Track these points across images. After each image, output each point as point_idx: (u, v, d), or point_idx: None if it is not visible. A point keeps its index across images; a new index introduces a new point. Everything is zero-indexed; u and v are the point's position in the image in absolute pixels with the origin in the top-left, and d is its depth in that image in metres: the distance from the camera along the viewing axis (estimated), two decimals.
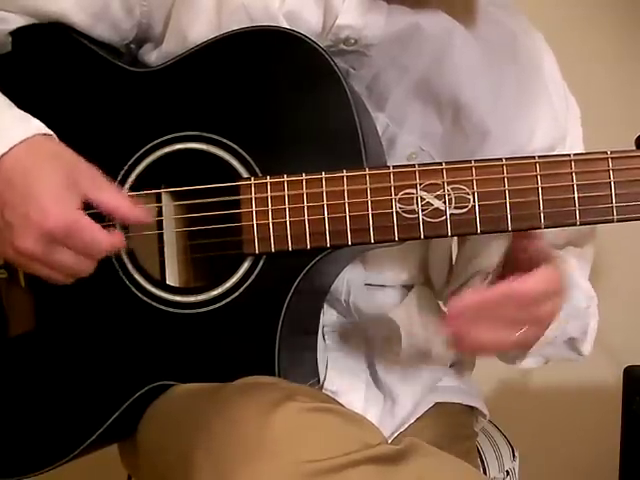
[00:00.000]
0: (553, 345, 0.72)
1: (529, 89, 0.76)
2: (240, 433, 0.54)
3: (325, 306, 0.79)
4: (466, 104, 0.74)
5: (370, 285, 0.82)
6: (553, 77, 0.78)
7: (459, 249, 0.85)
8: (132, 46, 0.77)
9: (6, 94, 0.69)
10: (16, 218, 0.61)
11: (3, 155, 0.61)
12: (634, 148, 0.63)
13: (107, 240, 0.63)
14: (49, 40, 0.72)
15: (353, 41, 0.70)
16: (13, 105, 0.67)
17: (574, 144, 0.79)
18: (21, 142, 0.62)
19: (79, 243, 0.62)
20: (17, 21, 0.72)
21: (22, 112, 0.66)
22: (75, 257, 0.63)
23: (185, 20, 0.71)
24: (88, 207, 0.63)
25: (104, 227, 0.64)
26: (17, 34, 0.72)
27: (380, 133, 0.75)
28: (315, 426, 0.55)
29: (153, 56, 0.74)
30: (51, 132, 0.65)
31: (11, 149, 0.61)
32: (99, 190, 0.64)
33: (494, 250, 0.78)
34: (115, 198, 0.64)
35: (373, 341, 0.81)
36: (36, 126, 0.64)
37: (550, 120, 0.77)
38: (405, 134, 0.75)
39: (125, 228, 0.69)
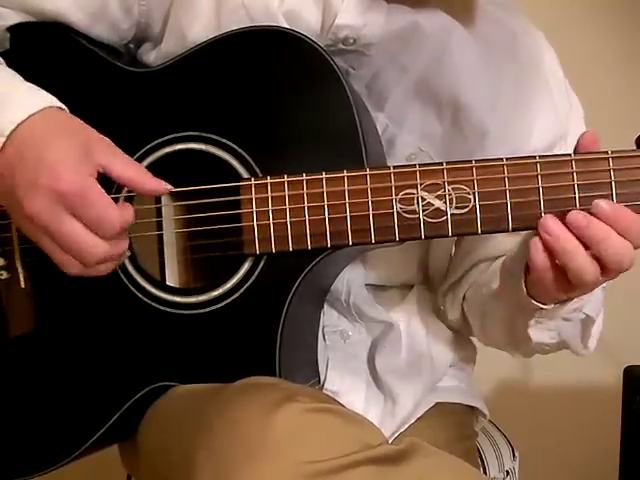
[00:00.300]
0: (571, 320, 0.70)
1: (529, 87, 0.76)
2: (241, 433, 0.54)
3: (325, 306, 0.79)
4: (465, 104, 0.73)
5: (370, 285, 0.82)
6: (555, 75, 0.78)
7: (456, 245, 0.85)
8: (131, 46, 0.77)
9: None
10: (28, 181, 0.59)
11: (20, 124, 0.60)
12: (634, 148, 0.63)
13: (118, 214, 0.60)
14: (47, 40, 0.72)
15: (352, 41, 0.70)
16: (25, 81, 0.66)
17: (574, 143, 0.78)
18: (37, 112, 0.61)
19: (91, 213, 0.60)
20: (14, 17, 0.72)
21: (35, 85, 0.65)
22: (85, 231, 0.60)
23: (184, 20, 0.71)
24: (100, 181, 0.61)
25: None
26: (15, 32, 0.72)
27: (380, 133, 0.74)
28: (316, 427, 0.55)
29: (152, 56, 0.74)
30: (65, 107, 0.64)
31: (28, 118, 0.61)
32: (114, 159, 0.62)
33: (491, 242, 0.78)
34: (131, 167, 0.63)
35: (373, 341, 0.81)
36: (52, 99, 0.64)
37: (550, 118, 0.77)
38: (404, 134, 0.75)
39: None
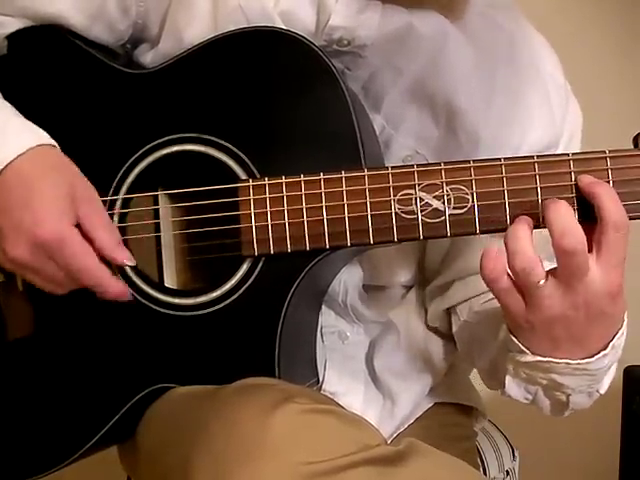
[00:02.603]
0: (551, 398, 0.66)
1: (525, 93, 0.75)
2: (239, 434, 0.54)
3: (323, 307, 0.79)
4: (460, 109, 0.73)
5: (368, 286, 0.82)
6: (555, 80, 0.77)
7: (447, 251, 0.83)
8: (128, 46, 0.77)
9: (3, 97, 0.69)
10: (10, 224, 0.61)
11: (8, 164, 0.61)
12: (632, 147, 0.63)
13: (96, 264, 0.63)
14: (44, 43, 0.72)
15: (346, 42, 0.70)
16: (19, 114, 0.67)
17: (569, 149, 0.77)
18: (27, 151, 0.62)
19: (70, 265, 0.62)
20: (15, 24, 0.72)
21: (28, 121, 0.66)
22: (59, 272, 0.63)
23: (181, 21, 0.71)
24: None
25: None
26: (13, 37, 0.72)
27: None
28: (314, 427, 0.55)
29: (149, 57, 0.74)
30: (55, 143, 0.65)
31: (17, 157, 0.61)
32: (91, 218, 0.64)
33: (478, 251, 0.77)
34: (105, 230, 0.64)
35: (371, 342, 0.81)
36: (41, 136, 0.64)
37: (545, 124, 0.75)
38: (401, 136, 0.75)
39: (121, 230, 0.69)
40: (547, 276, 0.58)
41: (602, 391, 0.66)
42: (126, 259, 0.66)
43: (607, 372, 0.65)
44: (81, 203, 0.63)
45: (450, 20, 0.72)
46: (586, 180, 0.60)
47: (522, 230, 0.58)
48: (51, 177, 0.62)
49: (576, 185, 0.61)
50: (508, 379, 0.67)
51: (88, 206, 0.63)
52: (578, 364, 0.61)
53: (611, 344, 0.61)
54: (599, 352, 0.61)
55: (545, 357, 0.62)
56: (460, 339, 0.81)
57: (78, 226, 0.63)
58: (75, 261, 0.62)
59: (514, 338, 0.63)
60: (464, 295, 0.79)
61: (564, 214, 0.57)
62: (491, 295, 0.68)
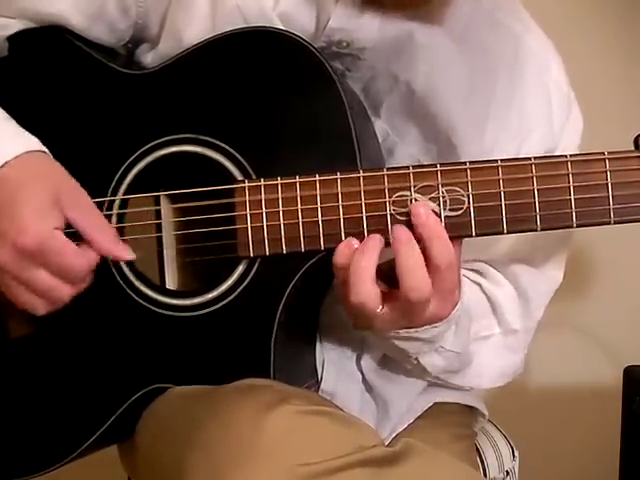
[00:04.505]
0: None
1: (525, 100, 0.73)
2: (234, 435, 0.54)
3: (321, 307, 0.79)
4: (457, 125, 0.72)
5: None
6: (559, 86, 0.76)
7: None
8: (129, 45, 0.77)
9: (1, 98, 0.69)
10: None
11: None
12: (632, 149, 0.62)
13: (80, 262, 0.62)
14: (44, 44, 0.72)
15: (345, 44, 0.70)
16: (10, 118, 0.67)
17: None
18: (14, 158, 0.62)
19: (54, 265, 0.62)
20: (16, 26, 0.72)
21: (18, 127, 0.66)
22: (52, 279, 0.62)
23: (181, 21, 0.71)
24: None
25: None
26: (14, 39, 0.72)
27: (380, 140, 0.74)
28: (309, 429, 0.55)
29: (149, 57, 0.74)
30: (45, 149, 0.65)
31: (4, 165, 0.61)
32: (82, 215, 0.63)
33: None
34: (97, 228, 0.64)
35: (364, 343, 0.81)
36: (30, 143, 0.64)
37: (543, 132, 0.74)
38: (404, 145, 0.74)
39: (120, 230, 0.69)
40: (383, 303, 0.60)
41: (448, 346, 0.69)
42: (126, 254, 0.65)
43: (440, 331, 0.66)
44: (68, 208, 0.63)
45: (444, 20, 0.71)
46: (420, 215, 0.61)
47: (365, 260, 0.60)
48: (36, 184, 0.62)
49: (574, 187, 0.61)
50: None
51: (76, 210, 0.63)
52: (406, 332, 0.64)
53: (445, 320, 0.63)
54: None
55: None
56: None
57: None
58: (57, 261, 0.61)
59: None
60: None
61: (413, 268, 0.59)
62: None
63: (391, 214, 0.63)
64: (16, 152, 0.62)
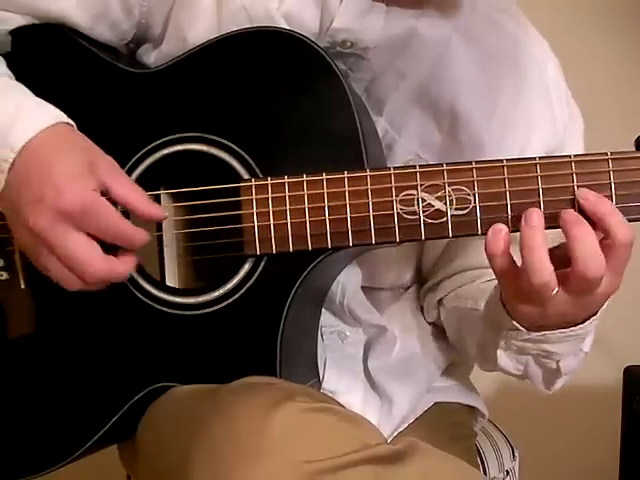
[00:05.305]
0: (543, 366, 0.69)
1: (528, 99, 0.75)
2: (239, 433, 0.54)
3: (323, 307, 0.79)
4: (462, 115, 0.73)
5: (366, 287, 0.82)
6: (557, 86, 0.77)
7: (444, 249, 0.82)
8: (131, 45, 0.77)
9: None
10: (32, 199, 0.60)
11: (29, 141, 0.61)
12: (634, 149, 0.63)
13: (124, 224, 0.62)
14: (48, 41, 0.72)
15: (349, 44, 0.70)
16: (33, 94, 0.67)
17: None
18: (44, 129, 0.62)
19: (97, 224, 0.61)
20: (17, 21, 0.72)
21: (44, 101, 0.66)
22: (88, 248, 0.61)
23: (185, 21, 0.71)
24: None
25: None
26: (16, 35, 0.72)
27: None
28: (314, 426, 0.55)
29: (152, 57, 0.74)
30: (72, 122, 0.65)
31: (36, 135, 0.62)
32: (116, 180, 0.63)
33: (475, 252, 0.76)
34: (131, 190, 0.64)
35: (366, 343, 0.81)
36: (58, 115, 0.64)
37: (548, 131, 0.75)
38: (403, 140, 0.75)
39: None
40: (559, 285, 0.58)
41: (586, 349, 0.68)
42: (162, 213, 0.65)
43: (591, 331, 0.66)
44: (102, 171, 0.62)
45: (448, 17, 0.71)
46: (590, 198, 0.60)
47: (537, 238, 0.58)
48: (69, 151, 0.62)
49: (578, 187, 0.61)
50: (499, 352, 0.70)
51: (110, 176, 0.63)
52: (571, 331, 0.63)
53: (600, 310, 0.63)
54: (589, 317, 0.63)
55: (539, 332, 0.64)
56: (448, 326, 0.82)
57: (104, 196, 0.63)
58: (101, 218, 0.61)
59: (509, 316, 0.64)
60: (451, 286, 0.80)
61: (589, 246, 0.57)
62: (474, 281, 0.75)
63: (398, 213, 0.63)
64: (48, 122, 0.63)
